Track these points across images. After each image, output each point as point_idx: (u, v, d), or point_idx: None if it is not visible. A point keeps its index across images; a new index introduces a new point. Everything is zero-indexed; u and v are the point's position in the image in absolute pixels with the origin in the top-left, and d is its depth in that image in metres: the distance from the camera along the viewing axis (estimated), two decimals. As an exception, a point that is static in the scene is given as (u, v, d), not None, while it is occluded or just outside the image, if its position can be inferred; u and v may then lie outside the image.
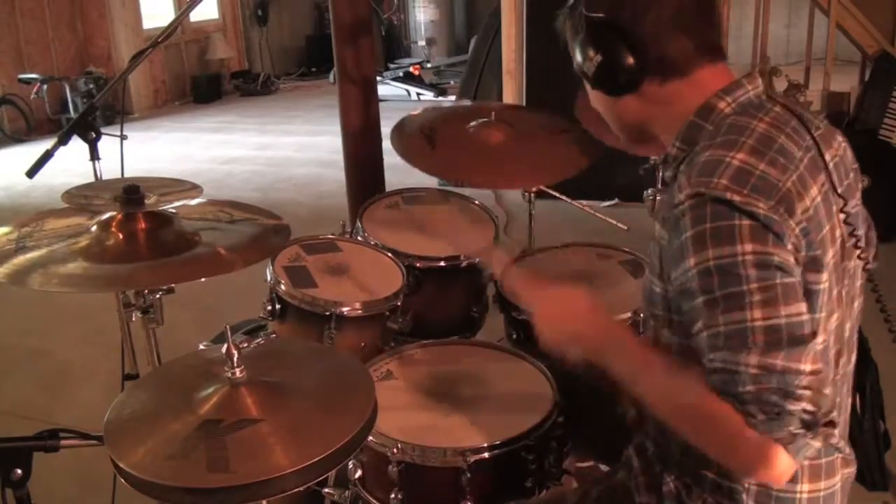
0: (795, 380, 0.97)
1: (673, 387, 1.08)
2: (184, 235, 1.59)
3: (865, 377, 1.38)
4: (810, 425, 0.98)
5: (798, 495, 1.17)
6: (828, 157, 1.16)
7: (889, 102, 4.29)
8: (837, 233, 1.14)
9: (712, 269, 1.01)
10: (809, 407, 0.97)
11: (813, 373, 0.98)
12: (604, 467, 1.75)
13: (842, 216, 1.15)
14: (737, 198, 1.02)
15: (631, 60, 1.14)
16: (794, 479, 1.15)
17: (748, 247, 1.00)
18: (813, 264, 1.06)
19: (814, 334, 1.01)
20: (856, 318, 1.24)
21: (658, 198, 2.33)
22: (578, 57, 1.20)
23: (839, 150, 1.21)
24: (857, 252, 1.19)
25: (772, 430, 0.97)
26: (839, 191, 1.16)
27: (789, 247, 1.03)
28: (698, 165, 1.09)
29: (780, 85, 5.40)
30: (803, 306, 1.01)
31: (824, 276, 1.08)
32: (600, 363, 1.18)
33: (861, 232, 1.19)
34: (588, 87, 1.25)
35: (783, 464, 0.99)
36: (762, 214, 1.02)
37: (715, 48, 1.18)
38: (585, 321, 1.24)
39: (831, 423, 1.00)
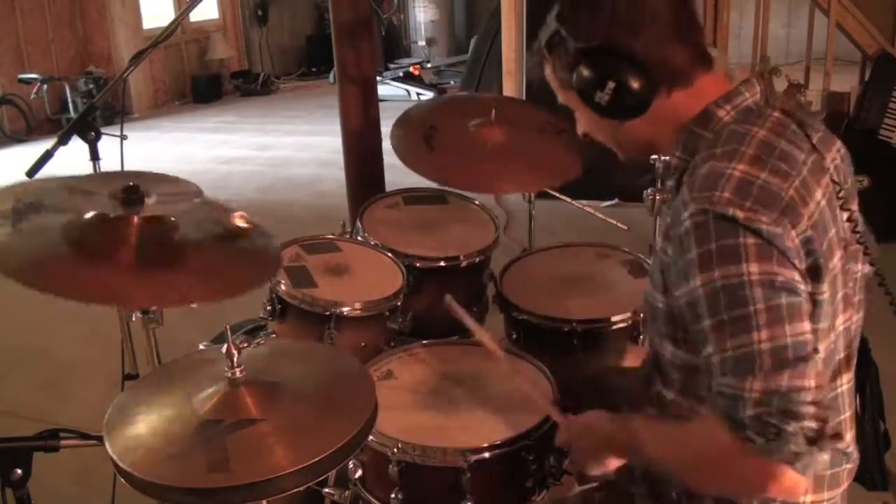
0: (798, 397, 0.97)
1: (687, 446, 1.10)
2: (178, 248, 1.48)
3: (865, 377, 1.38)
4: (815, 440, 0.98)
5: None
6: (828, 160, 1.16)
7: (889, 102, 4.29)
8: (842, 235, 1.13)
9: (719, 289, 1.01)
10: (812, 424, 0.97)
11: (818, 387, 0.99)
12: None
13: (844, 216, 1.15)
14: (740, 213, 1.01)
15: (641, 81, 1.12)
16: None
17: (754, 267, 1.00)
18: (814, 273, 1.06)
19: (816, 350, 1.01)
20: (860, 322, 1.24)
21: (658, 198, 2.34)
22: (581, 91, 1.17)
23: (838, 154, 1.20)
24: (865, 255, 1.19)
25: (772, 453, 0.98)
26: (841, 193, 1.16)
27: (795, 261, 1.02)
28: (699, 179, 1.08)
29: (780, 85, 5.40)
30: (807, 325, 1.01)
31: (825, 285, 1.07)
32: (635, 462, 1.26)
33: (864, 236, 1.19)
34: (588, 117, 1.24)
35: (791, 481, 0.99)
36: (765, 230, 1.01)
37: (707, 55, 1.18)
38: (610, 432, 1.27)
39: (838, 435, 1.01)
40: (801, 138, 1.14)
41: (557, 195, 2.59)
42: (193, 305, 1.31)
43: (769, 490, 1.00)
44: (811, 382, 0.98)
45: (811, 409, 0.97)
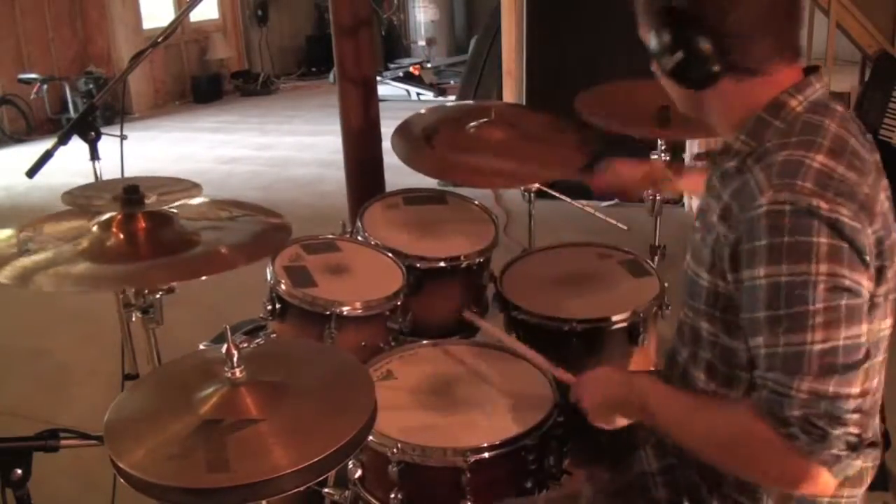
0: (844, 404, 0.99)
1: (713, 424, 1.11)
2: (184, 234, 1.59)
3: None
4: (855, 447, 1.00)
5: (819, 499, 1.17)
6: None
7: (889, 102, 4.28)
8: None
9: (783, 284, 1.01)
10: (855, 430, 1.00)
11: (862, 394, 1.00)
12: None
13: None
14: (823, 204, 1.00)
15: (712, 60, 1.10)
16: None
17: (823, 267, 0.99)
18: (879, 274, 1.05)
19: (867, 355, 1.02)
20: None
21: (658, 198, 2.34)
22: (655, 45, 1.15)
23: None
24: None
25: (815, 452, 1.00)
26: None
27: (867, 258, 1.02)
28: (777, 165, 1.06)
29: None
30: (864, 328, 1.01)
31: (883, 287, 1.07)
32: (646, 422, 1.25)
33: None
34: (659, 72, 1.21)
35: (825, 482, 1.02)
36: (847, 224, 1.00)
37: (795, 48, 1.16)
38: (619, 391, 1.30)
39: (873, 444, 1.05)
40: (862, 138, 1.13)
41: (557, 195, 2.59)
42: (204, 278, 1.46)
43: (802, 487, 1.03)
44: (856, 390, 1.00)
45: (855, 416, 0.99)
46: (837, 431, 0.99)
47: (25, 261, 1.49)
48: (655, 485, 1.29)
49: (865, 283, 1.02)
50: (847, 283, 1.00)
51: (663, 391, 1.23)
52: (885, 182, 1.12)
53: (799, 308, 0.99)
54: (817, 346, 0.99)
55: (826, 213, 1.00)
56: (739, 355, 1.14)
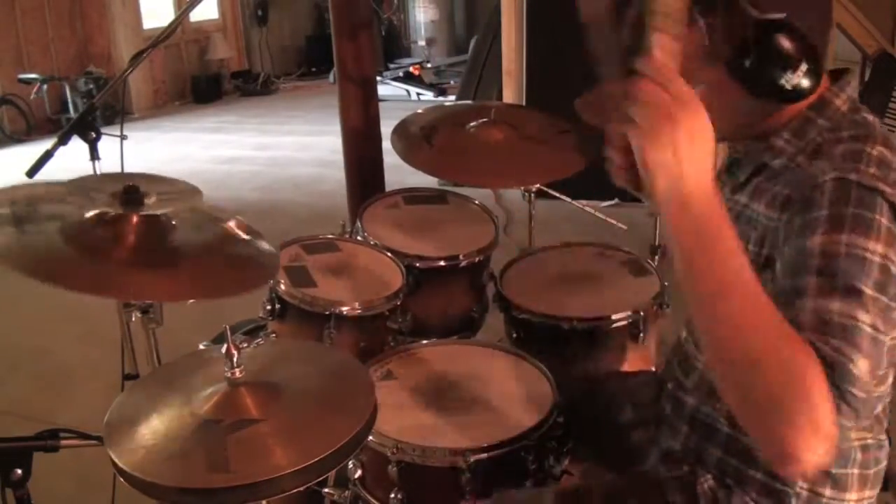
0: (877, 403, 1.12)
1: (768, 330, 0.88)
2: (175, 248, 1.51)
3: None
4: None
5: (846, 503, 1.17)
6: None
7: (889, 102, 4.29)
8: None
9: (841, 253, 0.94)
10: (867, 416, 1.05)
11: (880, 396, 1.11)
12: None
13: None
14: (888, 188, 0.98)
15: (818, 63, 1.06)
16: (843, 488, 1.16)
17: (880, 247, 0.95)
18: None
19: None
20: None
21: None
22: (756, 69, 1.04)
23: None
24: None
25: (841, 429, 0.87)
26: None
27: None
28: (839, 156, 1.04)
29: (780, 85, 5.41)
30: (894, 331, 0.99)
31: None
32: (672, 242, 0.96)
33: None
34: (726, 99, 1.09)
35: (823, 454, 0.86)
36: None
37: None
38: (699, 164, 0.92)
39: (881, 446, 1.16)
40: None
41: (557, 195, 2.59)
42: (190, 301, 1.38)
43: (811, 450, 0.85)
44: (883, 391, 1.10)
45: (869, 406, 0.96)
46: (862, 421, 0.96)
47: (17, 236, 1.38)
48: (669, 487, 1.28)
49: None
50: (894, 270, 0.95)
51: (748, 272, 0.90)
52: None
53: (854, 283, 0.93)
54: (869, 330, 0.91)
55: (890, 196, 0.98)
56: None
